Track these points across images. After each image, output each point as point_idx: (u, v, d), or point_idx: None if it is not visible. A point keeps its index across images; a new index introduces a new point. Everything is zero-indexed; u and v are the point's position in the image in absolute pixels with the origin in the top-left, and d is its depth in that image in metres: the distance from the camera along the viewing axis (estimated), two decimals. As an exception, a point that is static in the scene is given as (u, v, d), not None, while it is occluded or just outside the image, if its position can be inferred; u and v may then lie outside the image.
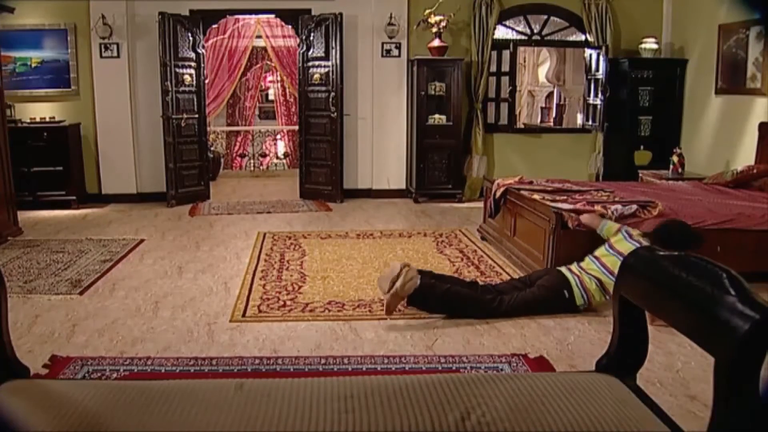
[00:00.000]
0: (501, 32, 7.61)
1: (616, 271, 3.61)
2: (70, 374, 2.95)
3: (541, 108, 11.64)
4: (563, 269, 3.84)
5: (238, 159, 11.38)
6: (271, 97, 13.18)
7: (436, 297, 3.61)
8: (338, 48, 7.08)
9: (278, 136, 12.13)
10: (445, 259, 4.94)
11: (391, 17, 7.18)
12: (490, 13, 7.27)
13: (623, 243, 3.74)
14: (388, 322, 3.61)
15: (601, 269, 3.72)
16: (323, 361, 3.12)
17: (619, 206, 4.28)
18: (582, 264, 3.83)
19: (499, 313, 3.64)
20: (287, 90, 11.51)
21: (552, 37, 7.80)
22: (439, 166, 7.31)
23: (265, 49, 10.20)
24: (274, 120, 12.88)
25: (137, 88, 7.19)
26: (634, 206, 4.30)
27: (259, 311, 3.80)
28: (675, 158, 6.46)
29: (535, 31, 7.70)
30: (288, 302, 3.95)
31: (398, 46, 7.35)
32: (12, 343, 1.95)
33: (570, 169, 7.36)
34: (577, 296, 3.70)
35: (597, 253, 3.83)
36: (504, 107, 7.74)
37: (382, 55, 7.37)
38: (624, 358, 1.91)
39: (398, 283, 3.53)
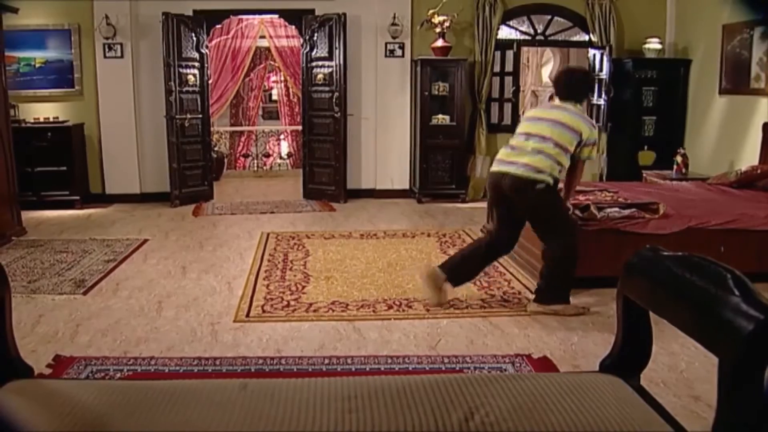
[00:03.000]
0: (504, 32, 7.60)
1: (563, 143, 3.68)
2: (73, 374, 2.96)
3: (545, 108, 11.60)
4: (499, 170, 3.75)
5: (242, 159, 11.40)
6: (274, 97, 13.18)
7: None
8: (341, 48, 7.08)
9: (281, 136, 12.13)
10: (448, 260, 4.94)
11: (394, 17, 7.18)
12: (493, 13, 7.26)
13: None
14: (391, 323, 3.61)
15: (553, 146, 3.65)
16: (327, 361, 3.12)
17: (616, 209, 4.26)
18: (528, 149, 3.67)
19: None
20: (290, 90, 11.52)
21: (555, 37, 7.79)
22: (442, 167, 7.31)
23: (268, 49, 10.22)
24: (277, 120, 12.88)
25: (141, 89, 7.20)
26: (631, 210, 4.26)
27: (263, 311, 3.80)
28: (679, 158, 6.44)
29: (539, 31, 7.68)
30: (292, 302, 3.95)
31: (401, 47, 7.35)
32: (16, 343, 1.96)
33: (573, 170, 7.33)
34: (544, 179, 3.61)
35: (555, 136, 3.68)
36: (507, 107, 7.73)
37: (386, 55, 7.37)
38: (628, 358, 1.91)
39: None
